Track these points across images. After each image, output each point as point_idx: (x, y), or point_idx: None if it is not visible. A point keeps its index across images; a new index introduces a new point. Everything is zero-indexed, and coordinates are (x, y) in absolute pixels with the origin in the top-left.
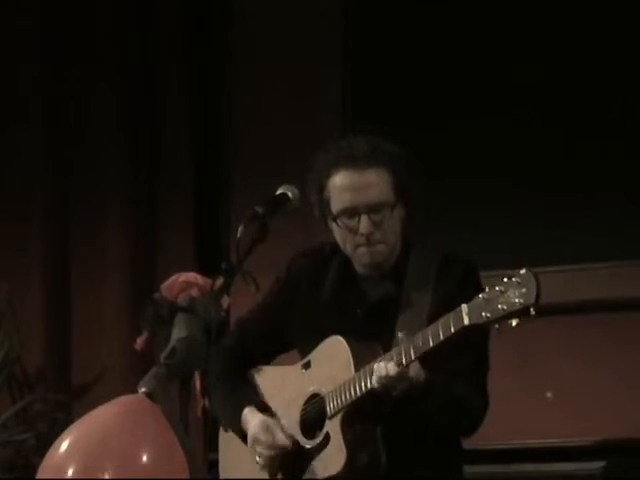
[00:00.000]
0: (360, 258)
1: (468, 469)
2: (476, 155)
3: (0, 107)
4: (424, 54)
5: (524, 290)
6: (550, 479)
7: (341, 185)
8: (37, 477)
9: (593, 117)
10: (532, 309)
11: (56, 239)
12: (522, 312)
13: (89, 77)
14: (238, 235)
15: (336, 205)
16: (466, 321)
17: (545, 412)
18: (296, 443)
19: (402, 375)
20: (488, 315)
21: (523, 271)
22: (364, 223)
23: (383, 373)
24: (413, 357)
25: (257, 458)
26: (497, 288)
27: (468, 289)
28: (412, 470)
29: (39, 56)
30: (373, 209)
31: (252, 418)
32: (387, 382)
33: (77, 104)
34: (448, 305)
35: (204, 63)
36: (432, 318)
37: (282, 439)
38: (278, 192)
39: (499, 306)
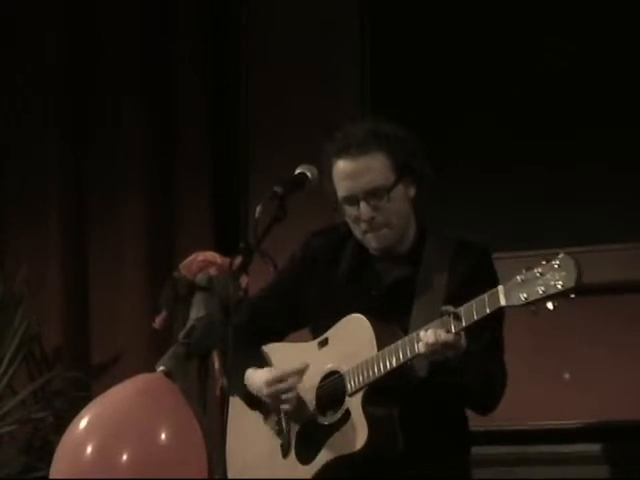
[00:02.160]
0: (368, 243)
1: (484, 450)
2: (493, 137)
3: (19, 94)
4: (443, 34)
5: (564, 273)
6: (566, 460)
7: (339, 174)
8: (56, 455)
9: (601, 98)
10: (572, 293)
11: (74, 219)
12: (561, 295)
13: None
14: (256, 215)
15: (339, 193)
16: (503, 302)
17: (561, 394)
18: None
19: (455, 342)
20: (525, 296)
21: (562, 255)
22: (363, 209)
23: (431, 340)
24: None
25: (282, 398)
26: (535, 270)
27: (483, 274)
28: (421, 451)
29: (53, 54)
30: (370, 194)
31: (255, 373)
32: (436, 348)
33: (99, 84)
34: (463, 288)
35: (222, 46)
36: (448, 301)
37: (291, 367)
38: (297, 172)
39: (537, 288)
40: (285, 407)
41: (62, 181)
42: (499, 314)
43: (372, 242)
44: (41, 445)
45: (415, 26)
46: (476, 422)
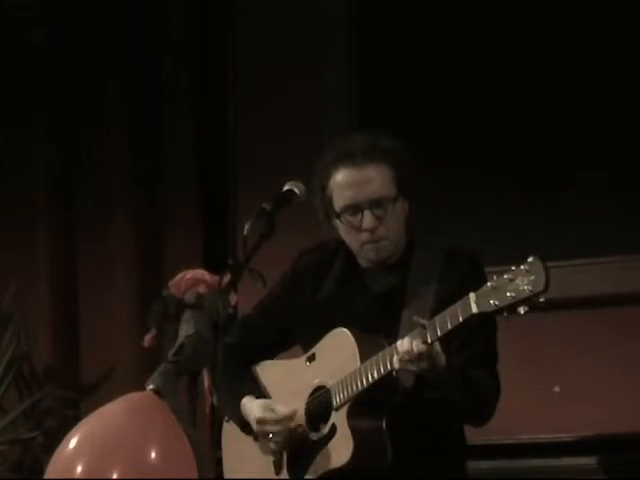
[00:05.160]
0: (366, 255)
1: (476, 464)
2: (481, 151)
3: (8, 110)
4: (430, 51)
5: (532, 277)
6: (558, 474)
7: (342, 182)
8: (46, 475)
9: (598, 111)
10: (541, 296)
11: (62, 237)
12: (531, 299)
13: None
14: (245, 232)
15: (338, 203)
16: (474, 309)
17: (552, 407)
18: (298, 416)
19: (427, 352)
20: (496, 303)
21: (531, 259)
22: (367, 218)
23: (406, 347)
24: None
25: (269, 439)
26: (505, 276)
27: (473, 283)
28: (416, 464)
29: (42, 61)
30: (375, 204)
31: (251, 404)
32: (410, 359)
33: (84, 98)
34: (452, 299)
35: (208, 62)
36: (436, 312)
37: (285, 410)
38: (285, 188)
39: (507, 294)
40: (271, 446)
41: (49, 201)
42: (490, 325)
43: (370, 253)
44: (31, 464)
45: (404, 37)
46: (467, 437)
